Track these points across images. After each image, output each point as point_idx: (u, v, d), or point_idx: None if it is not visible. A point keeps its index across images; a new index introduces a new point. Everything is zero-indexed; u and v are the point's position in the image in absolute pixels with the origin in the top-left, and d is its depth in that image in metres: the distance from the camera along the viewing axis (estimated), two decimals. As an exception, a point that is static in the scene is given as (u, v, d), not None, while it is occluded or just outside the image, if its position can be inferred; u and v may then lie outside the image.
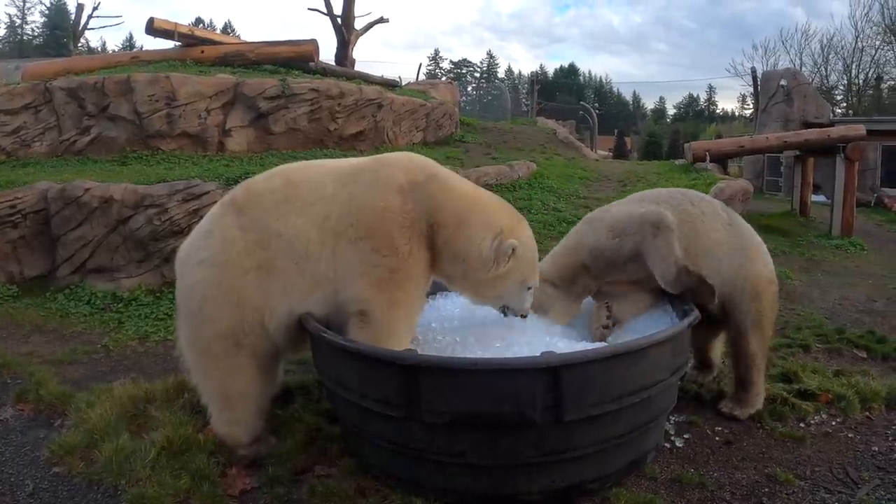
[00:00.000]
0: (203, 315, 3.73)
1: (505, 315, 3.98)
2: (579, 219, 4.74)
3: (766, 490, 3.57)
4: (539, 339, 3.93)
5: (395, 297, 3.62)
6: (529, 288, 3.92)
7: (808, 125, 20.82)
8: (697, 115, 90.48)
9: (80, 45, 37.58)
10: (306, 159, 7.06)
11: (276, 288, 3.66)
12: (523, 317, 3.99)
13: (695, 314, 3.81)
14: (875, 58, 45.60)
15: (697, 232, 4.22)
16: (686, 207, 4.30)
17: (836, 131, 14.54)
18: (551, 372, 3.09)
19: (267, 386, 3.94)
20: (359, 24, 22.15)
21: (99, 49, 61.12)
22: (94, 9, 34.48)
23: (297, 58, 14.08)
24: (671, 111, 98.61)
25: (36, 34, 68.11)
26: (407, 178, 3.72)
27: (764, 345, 4.40)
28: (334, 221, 3.65)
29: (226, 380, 3.77)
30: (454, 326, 4.19)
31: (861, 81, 47.47)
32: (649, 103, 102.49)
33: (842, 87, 48.85)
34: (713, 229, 4.28)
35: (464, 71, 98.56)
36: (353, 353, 3.44)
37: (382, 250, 3.58)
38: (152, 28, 13.78)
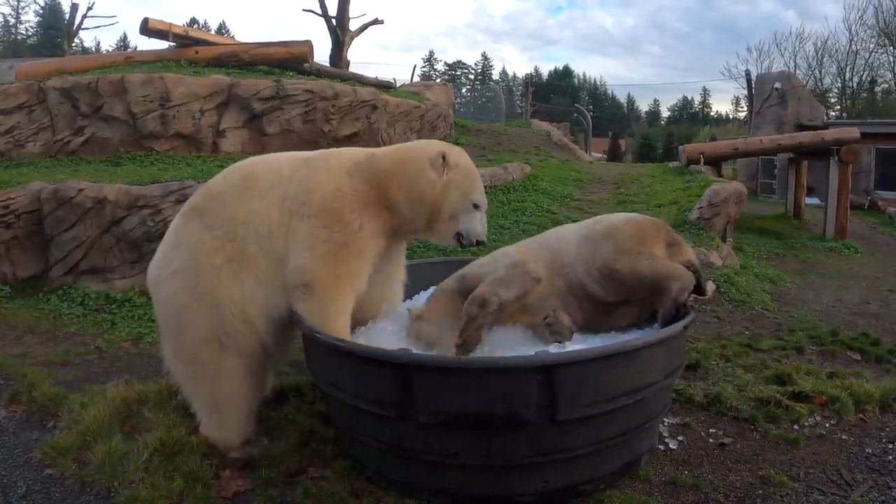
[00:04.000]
0: (183, 324, 3.77)
1: (461, 246, 4.04)
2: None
3: (760, 492, 3.57)
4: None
5: (340, 271, 3.70)
6: (476, 206, 3.98)
7: (802, 128, 20.86)
8: (692, 117, 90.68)
9: (74, 45, 37.47)
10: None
11: (251, 276, 3.72)
12: (479, 242, 4.03)
13: (691, 317, 3.81)
14: (869, 61, 45.98)
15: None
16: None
17: (830, 134, 14.57)
18: (545, 371, 3.10)
19: (255, 389, 3.93)
20: (353, 25, 22.16)
21: (93, 49, 61.22)
22: (89, 9, 34.57)
23: (292, 59, 14.03)
24: (665, 114, 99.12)
25: (30, 34, 67.90)
26: (352, 161, 3.94)
27: (648, 264, 4.00)
28: (290, 200, 3.77)
29: (214, 384, 3.79)
30: None
31: (855, 84, 47.80)
32: (643, 106, 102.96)
33: (836, 90, 49.22)
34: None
35: (458, 73, 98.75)
36: (346, 352, 3.44)
37: (333, 226, 3.69)
38: (147, 28, 13.72)
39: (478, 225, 3.98)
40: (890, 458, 4.00)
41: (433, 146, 4.05)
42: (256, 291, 3.73)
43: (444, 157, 3.89)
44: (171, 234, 3.97)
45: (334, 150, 4.19)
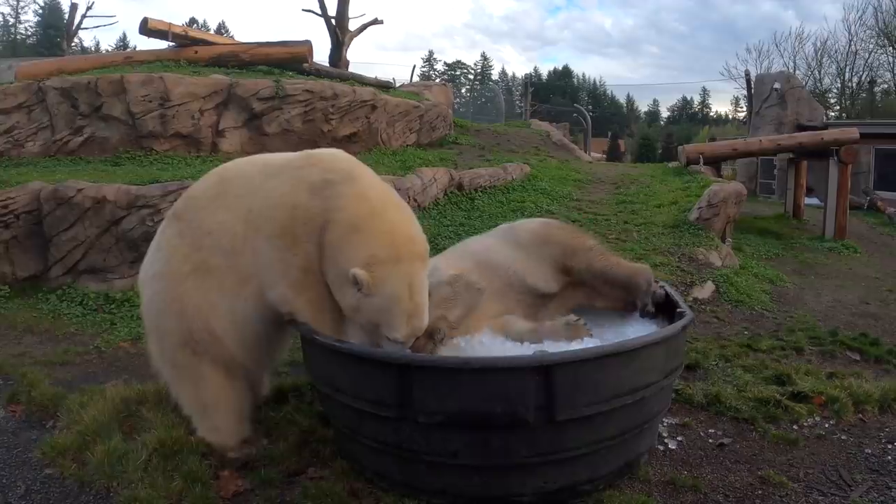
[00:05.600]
0: (160, 328, 3.81)
1: None
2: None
3: (760, 493, 3.57)
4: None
5: (313, 297, 3.60)
6: (392, 341, 3.45)
7: (801, 128, 20.89)
8: (691, 117, 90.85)
9: (73, 44, 37.47)
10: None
11: (215, 288, 3.66)
12: None
13: (689, 317, 3.81)
14: (868, 61, 46.06)
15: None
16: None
17: (830, 134, 14.58)
18: (544, 371, 3.09)
19: (241, 392, 3.91)
20: (353, 25, 22.17)
21: (92, 49, 61.17)
22: (88, 8, 34.52)
23: (291, 59, 14.05)
24: (665, 114, 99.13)
25: (29, 34, 67.93)
26: (322, 176, 3.60)
27: (599, 258, 4.50)
28: (255, 215, 3.63)
29: (196, 389, 3.81)
30: None
31: (854, 85, 47.83)
32: (643, 106, 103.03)
33: (835, 91, 49.31)
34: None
35: (458, 73, 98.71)
36: (346, 353, 3.43)
37: (293, 249, 3.55)
38: (146, 28, 13.72)
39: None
40: (889, 458, 4.00)
41: (390, 240, 3.43)
42: (220, 303, 3.67)
43: (356, 280, 3.30)
44: (156, 237, 3.99)
45: (314, 154, 3.83)
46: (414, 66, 53.07)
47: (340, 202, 3.50)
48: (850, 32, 46.38)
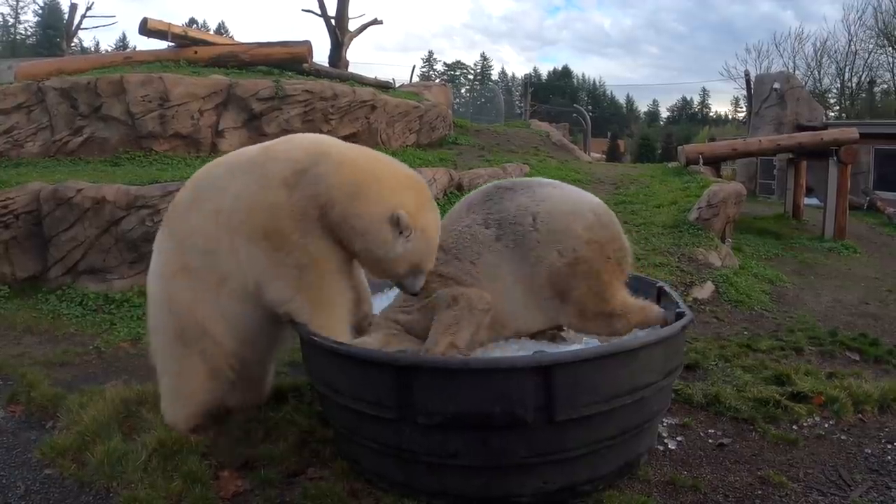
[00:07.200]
0: (156, 324, 3.98)
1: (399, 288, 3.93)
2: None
3: (759, 493, 3.57)
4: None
5: (313, 296, 3.64)
6: (422, 271, 3.73)
7: (801, 128, 20.87)
8: (691, 117, 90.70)
9: (73, 44, 37.43)
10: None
11: (199, 287, 3.76)
12: (413, 294, 3.86)
13: (688, 317, 3.81)
14: (868, 61, 46.09)
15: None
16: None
17: (829, 134, 14.57)
18: (543, 371, 3.09)
19: (217, 393, 4.03)
20: (352, 25, 22.15)
21: (92, 49, 61.12)
22: (88, 8, 34.47)
23: (291, 59, 14.05)
24: (664, 114, 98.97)
25: (29, 34, 67.95)
26: (292, 168, 3.59)
27: (608, 297, 3.96)
28: (226, 216, 3.67)
29: (178, 377, 3.96)
30: None
31: (854, 85, 47.85)
32: (643, 106, 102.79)
33: (835, 91, 49.31)
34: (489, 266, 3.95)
35: (457, 73, 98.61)
36: (345, 355, 3.43)
37: (283, 248, 3.57)
38: (146, 28, 13.71)
39: (416, 285, 3.76)
40: (888, 458, 4.00)
41: (401, 190, 3.62)
42: (205, 301, 3.77)
43: (398, 221, 3.51)
44: (156, 238, 4.14)
45: (273, 148, 3.81)
46: (413, 67, 53.32)
47: (330, 180, 3.54)
48: (849, 33, 46.46)
